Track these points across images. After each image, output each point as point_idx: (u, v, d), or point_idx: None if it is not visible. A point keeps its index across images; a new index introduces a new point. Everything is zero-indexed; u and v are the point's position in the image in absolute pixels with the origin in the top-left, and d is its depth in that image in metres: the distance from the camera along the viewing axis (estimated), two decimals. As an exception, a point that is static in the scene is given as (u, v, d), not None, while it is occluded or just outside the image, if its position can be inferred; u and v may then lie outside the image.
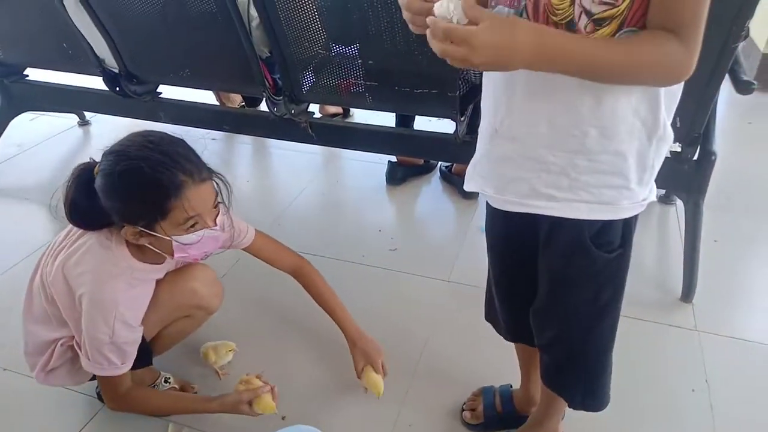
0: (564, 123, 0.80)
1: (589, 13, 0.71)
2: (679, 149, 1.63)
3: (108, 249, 1.18)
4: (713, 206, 1.95)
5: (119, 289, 1.16)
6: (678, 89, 0.81)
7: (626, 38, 0.72)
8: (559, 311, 1.03)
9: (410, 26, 0.76)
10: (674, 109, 0.84)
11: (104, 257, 1.17)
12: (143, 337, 1.27)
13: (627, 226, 0.91)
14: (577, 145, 0.81)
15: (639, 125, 0.80)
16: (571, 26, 0.73)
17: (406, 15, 0.75)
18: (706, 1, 0.69)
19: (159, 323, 1.33)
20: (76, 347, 1.23)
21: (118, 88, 2.12)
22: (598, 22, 0.72)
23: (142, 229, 1.12)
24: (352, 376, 1.49)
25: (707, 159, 1.62)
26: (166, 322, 1.35)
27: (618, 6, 0.70)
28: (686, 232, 1.73)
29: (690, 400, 1.43)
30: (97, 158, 1.16)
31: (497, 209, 0.98)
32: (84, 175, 1.14)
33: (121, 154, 1.10)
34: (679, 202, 2.05)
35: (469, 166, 0.99)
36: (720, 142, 1.65)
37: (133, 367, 1.26)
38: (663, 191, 2.23)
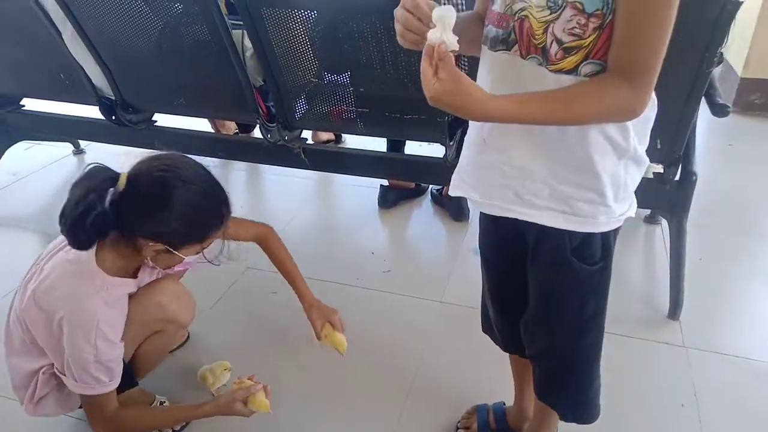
0: (546, 136, 0.86)
1: (559, 42, 0.78)
2: (661, 170, 1.69)
3: (79, 268, 1.18)
4: (698, 225, 2.00)
5: (98, 307, 1.16)
6: (651, 112, 0.87)
7: (572, 90, 0.79)
8: (546, 322, 1.07)
9: (398, 39, 0.82)
10: (647, 132, 0.89)
11: (77, 277, 1.17)
12: (123, 360, 1.28)
13: (606, 240, 0.95)
14: (558, 155, 0.87)
15: (609, 147, 0.85)
16: (544, 51, 0.80)
17: (398, 28, 0.81)
18: (659, 50, 0.75)
19: (133, 339, 1.32)
20: (58, 373, 1.22)
21: (114, 117, 2.17)
22: (567, 51, 0.78)
23: (167, 247, 1.14)
24: (350, 393, 1.50)
25: (688, 179, 1.68)
26: (139, 339, 1.35)
27: (585, 39, 0.77)
28: (671, 251, 1.78)
29: (679, 415, 1.45)
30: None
31: (489, 218, 1.03)
32: (107, 185, 1.10)
33: (185, 177, 1.13)
34: (664, 222, 2.10)
35: (454, 174, 1.03)
36: (703, 164, 1.72)
37: (120, 390, 1.26)
38: (648, 212, 2.29)
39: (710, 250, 2.08)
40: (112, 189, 1.10)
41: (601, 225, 0.92)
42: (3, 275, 2.06)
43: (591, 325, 1.05)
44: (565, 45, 0.78)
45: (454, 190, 1.02)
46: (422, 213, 2.46)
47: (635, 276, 2.00)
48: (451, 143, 1.79)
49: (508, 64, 0.86)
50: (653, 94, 0.85)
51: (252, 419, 1.28)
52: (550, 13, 0.77)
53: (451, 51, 0.74)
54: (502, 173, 0.92)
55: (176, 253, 1.16)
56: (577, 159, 0.86)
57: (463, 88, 0.75)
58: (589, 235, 0.93)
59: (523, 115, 0.79)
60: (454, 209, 2.37)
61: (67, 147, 3.04)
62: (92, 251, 1.18)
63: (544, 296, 1.04)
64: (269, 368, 1.64)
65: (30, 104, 2.51)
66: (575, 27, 0.76)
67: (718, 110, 1.57)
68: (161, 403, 1.44)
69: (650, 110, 0.86)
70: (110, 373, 1.20)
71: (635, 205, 0.96)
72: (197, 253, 1.21)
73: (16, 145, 2.67)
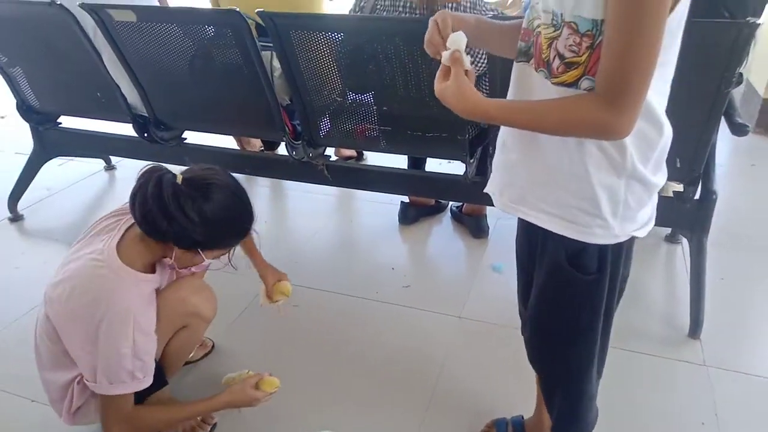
0: (549, 143, 0.92)
1: (561, 57, 0.84)
2: (681, 188, 1.70)
3: (106, 267, 1.21)
4: (719, 245, 2.00)
5: (132, 301, 1.21)
6: (656, 136, 0.89)
7: (555, 103, 0.85)
8: (541, 329, 1.11)
9: (424, 43, 0.95)
10: (653, 155, 0.91)
11: (107, 276, 1.21)
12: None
13: (603, 253, 0.98)
14: (558, 162, 0.92)
15: (605, 161, 0.89)
16: (548, 65, 0.87)
17: (426, 35, 0.94)
18: (639, 74, 0.77)
19: (162, 336, 1.35)
20: (87, 383, 1.24)
21: (146, 134, 2.25)
22: (567, 65, 0.84)
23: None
24: (370, 404, 1.53)
25: (708, 198, 1.69)
26: (167, 335, 1.39)
27: (580, 56, 0.82)
28: (692, 269, 1.78)
29: (700, 434, 1.45)
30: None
31: (522, 221, 1.08)
32: (165, 184, 1.17)
33: (227, 186, 1.24)
34: (685, 242, 2.10)
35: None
36: (725, 184, 1.73)
37: (152, 390, 1.29)
38: (669, 230, 2.29)
39: (732, 270, 2.07)
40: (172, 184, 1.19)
41: (597, 237, 0.95)
42: (36, 287, 2.13)
43: (583, 338, 1.07)
44: (566, 60, 0.84)
45: (486, 188, 1.10)
46: (442, 230, 2.50)
47: (656, 294, 2.00)
48: (472, 161, 1.83)
49: (523, 74, 0.93)
50: (663, 119, 0.88)
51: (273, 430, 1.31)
52: (554, 31, 0.84)
53: (467, 69, 0.88)
54: (514, 174, 1.00)
55: (201, 253, 1.24)
56: (574, 167, 0.90)
57: (463, 91, 0.86)
58: (585, 245, 0.96)
59: (510, 120, 0.89)
60: (474, 226, 2.39)
61: (98, 163, 3.16)
62: (114, 249, 1.23)
63: (540, 301, 1.08)
64: (291, 378, 1.67)
65: (65, 122, 2.62)
66: (572, 45, 0.82)
67: (738, 130, 1.58)
68: (187, 408, 1.48)
69: (655, 133, 0.88)
70: (144, 369, 1.23)
71: (647, 227, 0.98)
72: (216, 257, 1.30)
73: (50, 161, 2.77)
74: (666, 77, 0.86)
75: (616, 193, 0.91)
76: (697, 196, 1.70)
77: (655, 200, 0.99)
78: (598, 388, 1.19)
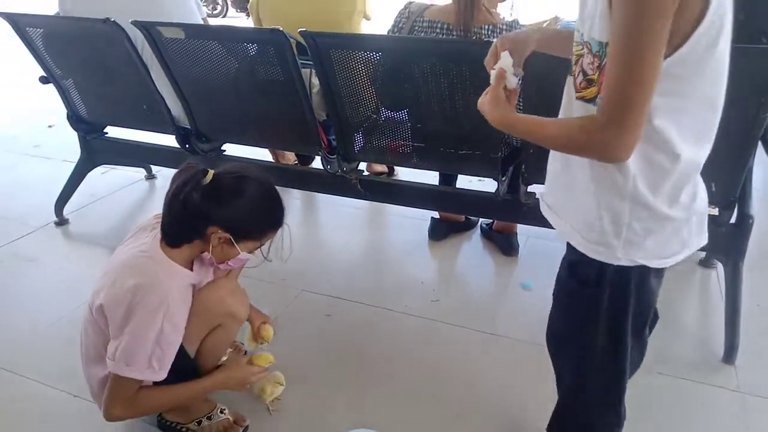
0: (573, 159, 0.97)
1: (584, 74, 0.89)
2: (716, 213, 1.69)
3: (148, 258, 1.29)
4: (756, 271, 1.96)
5: (171, 289, 1.27)
6: (669, 165, 0.88)
7: (563, 120, 0.93)
8: (552, 326, 1.18)
9: (485, 63, 1.07)
10: (665, 184, 0.90)
11: (152, 267, 1.29)
12: (188, 355, 1.39)
13: (602, 270, 0.99)
14: (573, 175, 0.98)
15: (609, 181, 0.92)
16: (575, 80, 0.92)
17: (486, 59, 1.06)
18: (633, 95, 0.77)
19: (197, 332, 1.41)
20: (106, 358, 1.27)
21: (187, 146, 2.34)
22: (588, 82, 0.88)
23: (231, 237, 1.28)
24: (397, 416, 1.55)
25: (744, 222, 1.68)
26: (203, 333, 1.43)
27: (594, 75, 0.87)
28: (727, 294, 1.76)
29: (733, 462, 1.42)
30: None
31: None
32: (198, 176, 1.26)
33: (258, 179, 1.32)
34: (720, 267, 2.07)
35: None
36: (762, 208, 1.71)
37: None
38: (703, 255, 2.25)
39: (769, 296, 2.03)
40: (201, 181, 1.26)
41: (598, 254, 0.97)
42: (79, 287, 2.22)
43: (586, 346, 1.09)
44: (587, 77, 0.88)
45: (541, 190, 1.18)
46: (472, 246, 2.51)
47: (690, 319, 1.97)
48: (504, 178, 1.85)
49: (568, 87, 0.98)
50: (681, 150, 0.87)
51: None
52: (581, 49, 0.89)
53: (511, 88, 1.00)
54: (554, 181, 1.07)
55: (236, 245, 1.30)
56: (585, 184, 0.95)
57: (498, 105, 0.98)
58: (587, 258, 0.99)
59: (526, 132, 0.98)
60: (504, 244, 2.40)
61: (140, 172, 3.28)
62: (157, 243, 1.31)
63: (555, 303, 1.15)
64: (320, 384, 1.71)
65: (111, 132, 2.74)
66: (590, 63, 0.86)
67: (775, 155, 1.57)
68: (221, 410, 1.53)
69: (668, 162, 0.87)
70: (162, 360, 1.27)
71: (666, 260, 0.97)
72: (251, 251, 1.36)
73: (95, 168, 2.89)
74: (685, 108, 0.85)
75: (619, 215, 0.93)
76: (732, 221, 1.69)
77: (680, 233, 0.96)
78: (618, 421, 1.18)
